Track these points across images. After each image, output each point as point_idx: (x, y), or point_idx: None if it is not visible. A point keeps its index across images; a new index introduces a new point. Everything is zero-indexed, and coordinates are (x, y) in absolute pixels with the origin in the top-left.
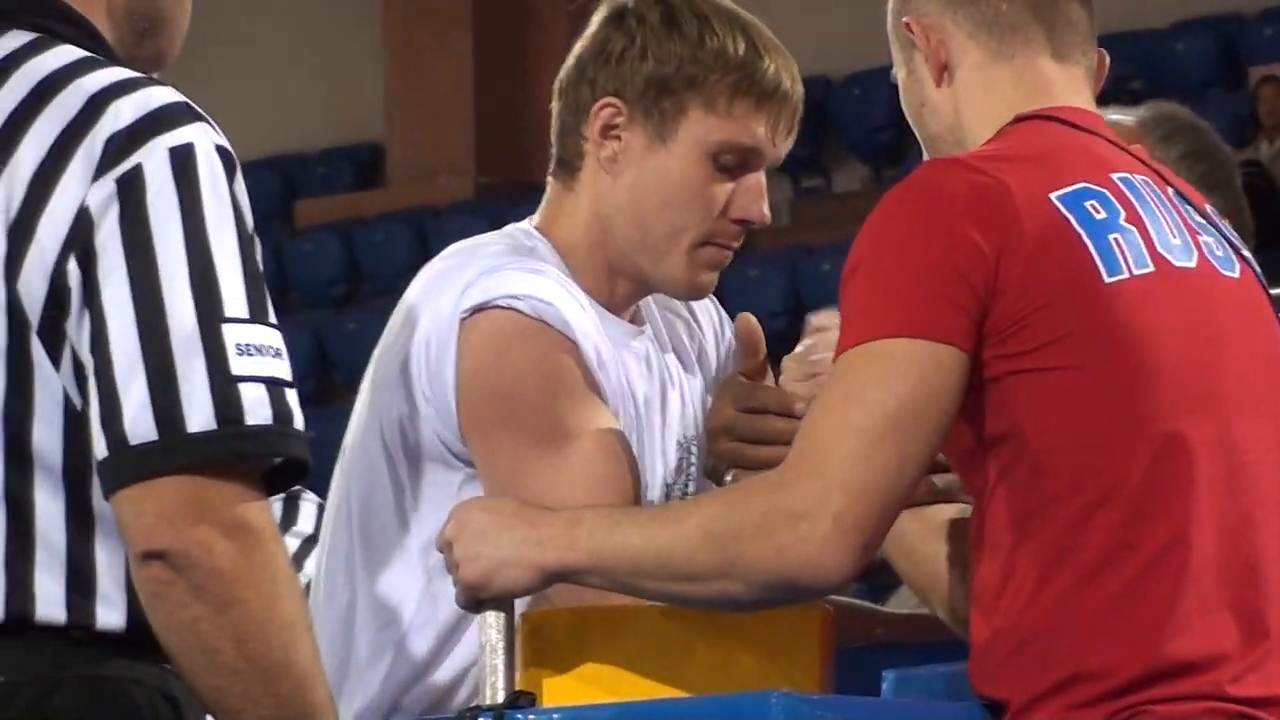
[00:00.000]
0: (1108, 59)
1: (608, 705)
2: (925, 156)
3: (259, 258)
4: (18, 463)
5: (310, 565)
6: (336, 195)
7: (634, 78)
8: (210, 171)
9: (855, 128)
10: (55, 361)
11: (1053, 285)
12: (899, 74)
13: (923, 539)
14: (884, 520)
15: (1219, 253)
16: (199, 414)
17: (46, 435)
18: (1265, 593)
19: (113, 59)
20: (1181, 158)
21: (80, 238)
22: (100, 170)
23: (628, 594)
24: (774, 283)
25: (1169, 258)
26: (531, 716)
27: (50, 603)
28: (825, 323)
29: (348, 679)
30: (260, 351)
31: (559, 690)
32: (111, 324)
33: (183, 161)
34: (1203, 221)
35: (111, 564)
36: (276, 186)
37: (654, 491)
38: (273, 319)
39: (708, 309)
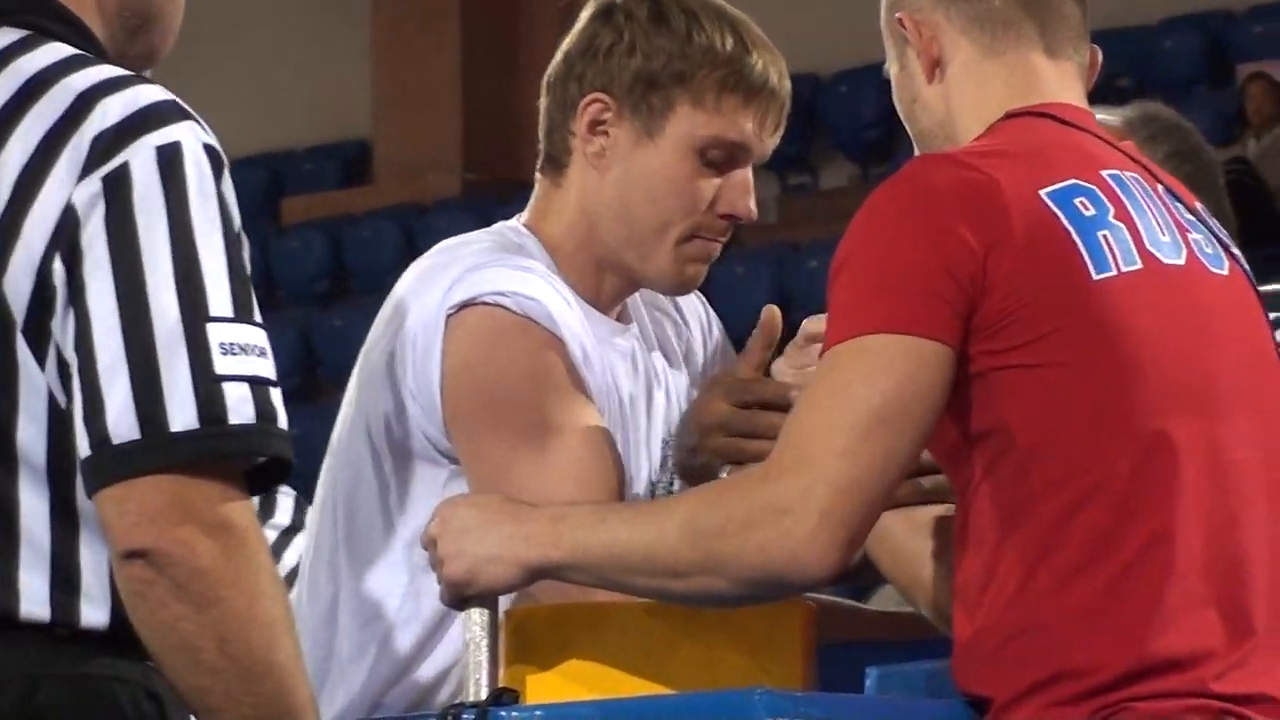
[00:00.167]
0: (1100, 55)
1: (591, 702)
2: (916, 152)
3: (245, 256)
4: (2, 460)
5: (289, 556)
6: (323, 192)
7: (622, 73)
8: (197, 170)
9: (843, 125)
10: (40, 360)
11: (1041, 282)
12: (891, 69)
13: (907, 536)
14: (869, 516)
15: (1208, 250)
16: (182, 413)
17: (31, 433)
18: (1250, 590)
19: (103, 56)
20: (1167, 158)
21: (66, 236)
22: (87, 168)
23: (612, 590)
24: (760, 280)
25: (1158, 255)
26: (515, 714)
27: (34, 600)
28: (817, 329)
29: (330, 676)
30: (245, 350)
31: (542, 687)
32: (96, 322)
33: (169, 160)
34: (1192, 219)
35: (95, 562)
36: (263, 183)
37: (638, 488)
38: (258, 318)
39: (695, 307)
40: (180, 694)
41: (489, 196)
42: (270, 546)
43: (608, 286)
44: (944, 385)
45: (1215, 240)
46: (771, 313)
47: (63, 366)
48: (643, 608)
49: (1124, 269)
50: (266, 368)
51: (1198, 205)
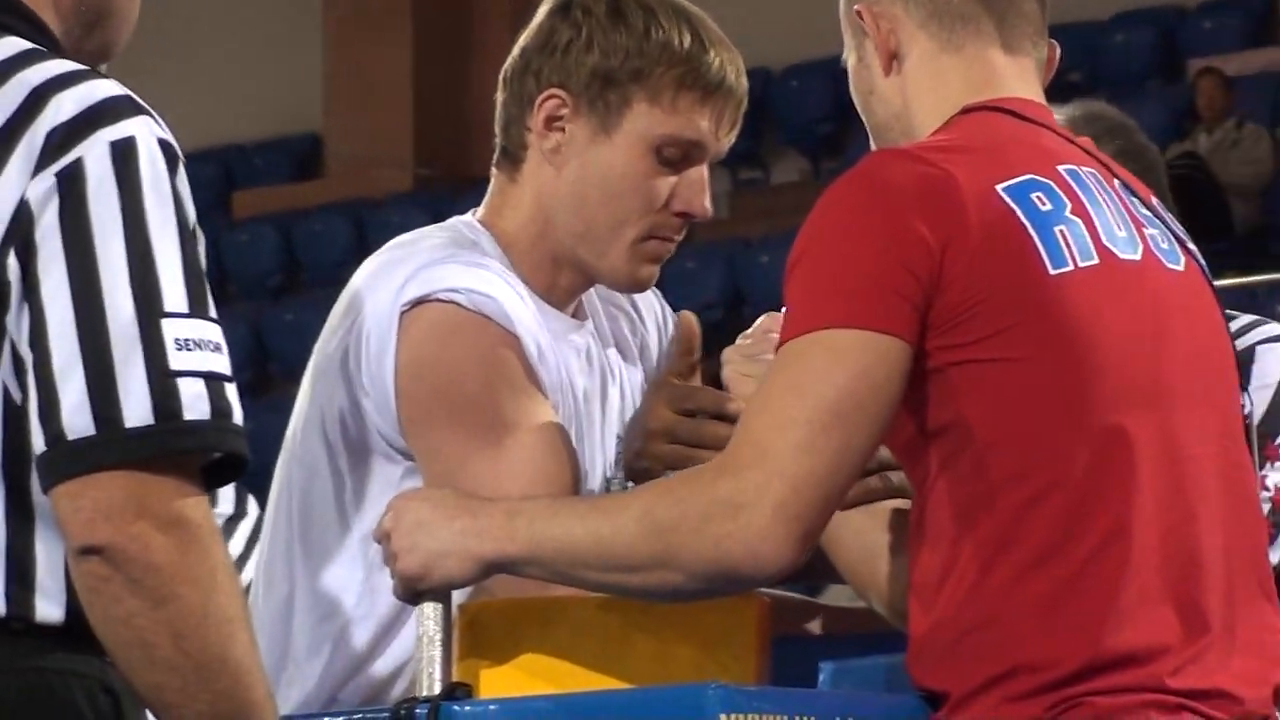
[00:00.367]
0: (1058, 51)
1: (544, 696)
2: (872, 145)
3: (201, 252)
4: None
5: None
6: (274, 186)
7: (579, 69)
8: (151, 165)
9: (794, 120)
10: None
11: (997, 277)
12: (849, 60)
13: (865, 530)
14: (825, 510)
15: (1164, 245)
16: (137, 409)
17: None
18: (1206, 586)
19: (58, 51)
20: (1113, 157)
21: (20, 232)
22: (40, 164)
23: (568, 585)
24: (712, 275)
25: (1114, 250)
26: (468, 708)
27: None
28: (774, 326)
29: (285, 672)
30: (200, 346)
31: (496, 681)
32: (50, 318)
33: (123, 155)
34: (1149, 214)
35: (50, 557)
36: (214, 177)
37: (593, 484)
38: (213, 314)
39: (651, 302)
40: (136, 690)
41: (440, 191)
42: None
43: (563, 282)
44: (901, 380)
45: (1172, 236)
46: (687, 319)
47: (18, 362)
48: (597, 602)
49: (1081, 264)
50: (222, 363)
51: (1154, 201)
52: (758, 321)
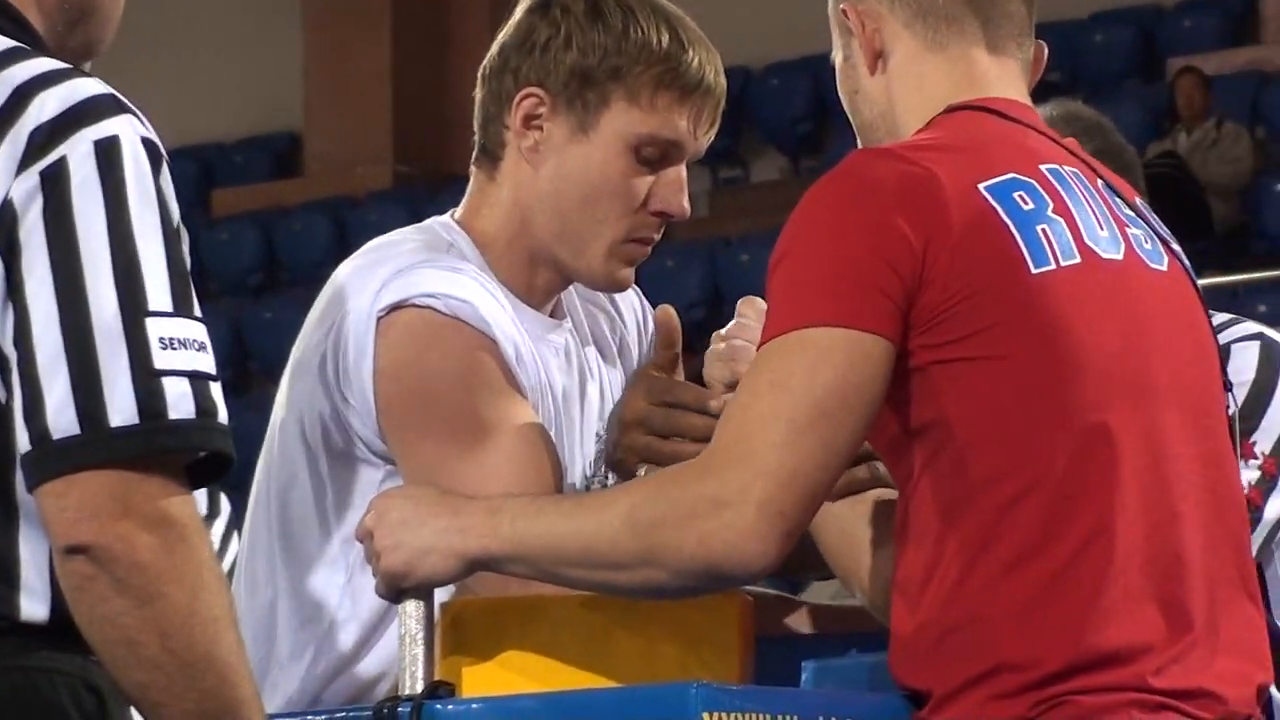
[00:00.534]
0: (1045, 51)
1: (527, 695)
2: (859, 144)
3: (185, 250)
4: None
5: None
6: (254, 184)
7: (557, 68)
8: (135, 164)
9: (774, 118)
10: None
11: (979, 275)
12: (836, 59)
13: (847, 519)
14: (808, 508)
15: (1147, 245)
16: (121, 408)
17: None
18: (1189, 585)
19: (41, 49)
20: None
21: (4, 231)
22: (24, 163)
23: (551, 582)
24: (692, 273)
25: (1096, 249)
26: (451, 706)
27: None
28: (748, 311)
29: (269, 675)
30: (184, 345)
31: (479, 680)
32: (35, 317)
33: (107, 154)
34: (1132, 214)
35: (35, 556)
36: (194, 176)
37: (573, 484)
38: (197, 312)
39: (631, 301)
40: (123, 689)
41: (420, 189)
42: None
43: (541, 282)
44: (884, 378)
45: (1155, 236)
46: (666, 311)
47: (2, 362)
48: (579, 600)
49: (1062, 263)
50: (206, 362)
51: (1138, 201)
52: (737, 305)
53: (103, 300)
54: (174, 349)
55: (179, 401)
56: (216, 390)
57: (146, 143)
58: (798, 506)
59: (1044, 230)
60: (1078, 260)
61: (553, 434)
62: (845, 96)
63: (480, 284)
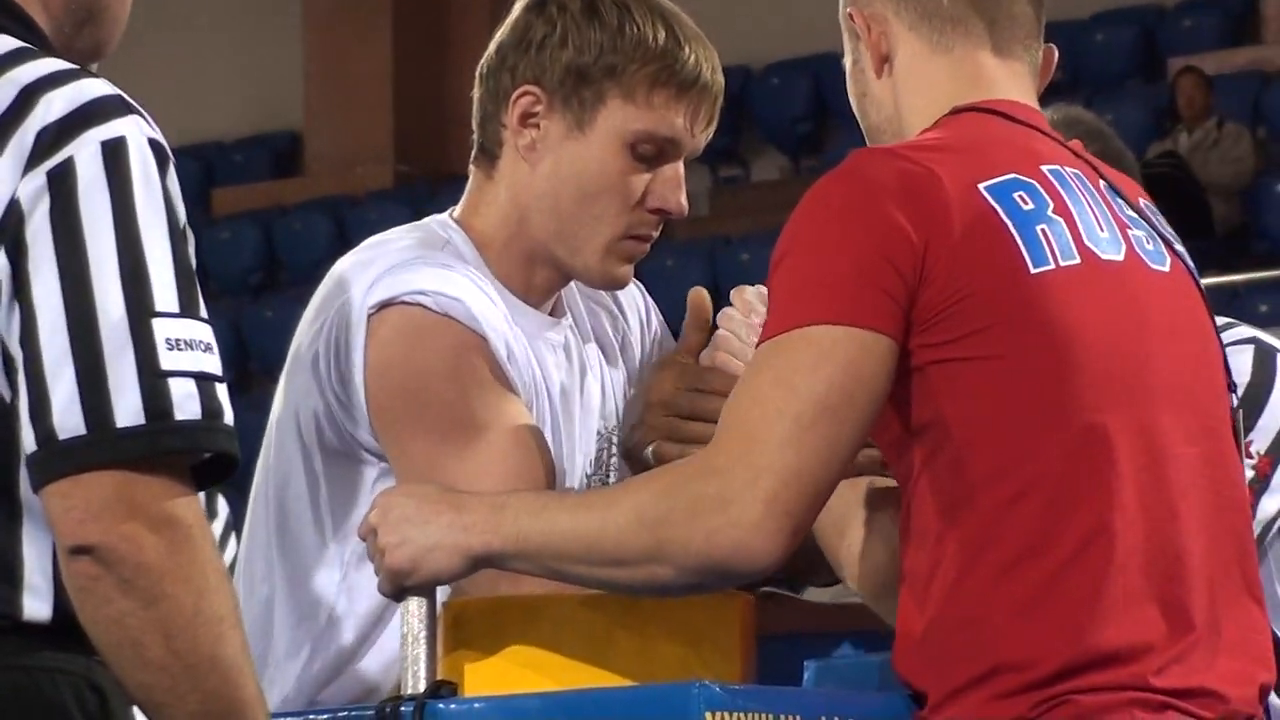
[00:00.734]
0: (1055, 54)
1: (530, 695)
2: (868, 144)
3: (191, 251)
4: None
5: None
6: (255, 184)
7: (553, 66)
8: (142, 165)
9: (774, 118)
10: None
11: (978, 275)
12: (846, 63)
13: (838, 497)
14: (813, 504)
15: (1149, 246)
16: (127, 409)
17: None
18: (1189, 585)
19: (48, 49)
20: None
21: (10, 231)
22: (31, 163)
23: (554, 579)
24: (692, 272)
25: (1096, 250)
26: (453, 706)
27: None
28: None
29: (265, 672)
30: (190, 346)
31: (481, 679)
32: (41, 317)
33: (114, 154)
34: (1134, 215)
35: (39, 555)
36: (194, 174)
37: (573, 482)
38: (204, 313)
39: (634, 299)
40: (126, 689)
41: (420, 188)
42: None
43: (539, 280)
44: (887, 375)
45: (1158, 237)
46: (699, 294)
47: (8, 361)
48: (581, 599)
49: (1062, 263)
50: (212, 363)
51: (1142, 202)
52: (732, 295)
53: (109, 300)
54: (180, 350)
55: (185, 402)
56: (223, 391)
57: (153, 144)
58: (803, 503)
59: (1043, 231)
60: (1077, 261)
61: (549, 432)
62: (854, 100)
63: (472, 281)
